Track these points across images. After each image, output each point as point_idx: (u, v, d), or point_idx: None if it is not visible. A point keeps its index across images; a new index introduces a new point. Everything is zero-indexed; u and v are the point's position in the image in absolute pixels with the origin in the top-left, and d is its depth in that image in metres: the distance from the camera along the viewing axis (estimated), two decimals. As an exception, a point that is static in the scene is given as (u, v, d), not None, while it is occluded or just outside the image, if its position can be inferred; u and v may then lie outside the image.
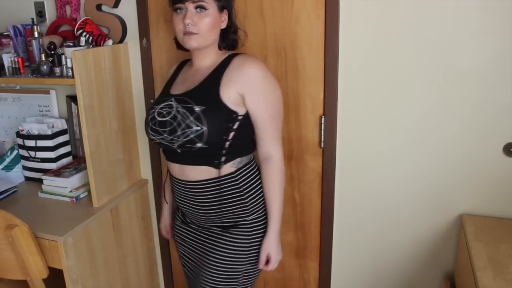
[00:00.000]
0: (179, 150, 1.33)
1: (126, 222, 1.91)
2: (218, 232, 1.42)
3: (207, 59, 1.38)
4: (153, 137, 1.36)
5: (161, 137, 1.32)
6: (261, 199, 1.42)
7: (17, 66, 1.75)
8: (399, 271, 1.77)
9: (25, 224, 1.48)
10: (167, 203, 1.66)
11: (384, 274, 1.80)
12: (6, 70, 1.77)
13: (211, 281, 1.41)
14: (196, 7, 1.28)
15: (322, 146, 1.72)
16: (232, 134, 1.31)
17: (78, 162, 1.96)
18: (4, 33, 1.87)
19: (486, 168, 1.54)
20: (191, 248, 1.52)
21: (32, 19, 1.90)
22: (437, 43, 1.48)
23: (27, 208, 1.76)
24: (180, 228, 1.55)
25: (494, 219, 1.55)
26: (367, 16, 1.53)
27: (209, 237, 1.44)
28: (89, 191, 1.77)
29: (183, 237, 1.54)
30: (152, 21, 1.81)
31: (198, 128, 1.25)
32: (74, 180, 1.82)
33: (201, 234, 1.47)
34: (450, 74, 1.50)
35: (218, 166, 1.34)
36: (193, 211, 1.43)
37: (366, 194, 1.72)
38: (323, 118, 1.69)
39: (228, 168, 1.36)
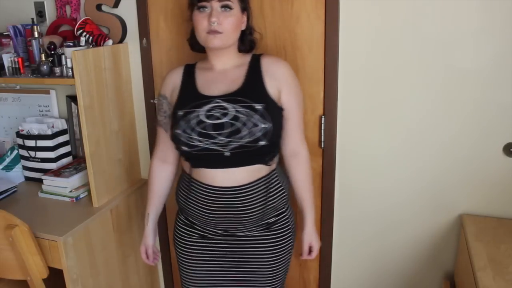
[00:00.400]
0: (228, 154, 1.27)
1: (126, 222, 1.91)
2: (260, 234, 1.40)
3: (229, 60, 1.38)
4: (199, 144, 1.27)
5: (212, 141, 1.25)
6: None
7: (17, 66, 1.75)
8: (399, 271, 1.77)
9: (25, 224, 1.48)
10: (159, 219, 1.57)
11: (384, 274, 1.80)
12: (6, 70, 1.77)
13: (276, 280, 1.47)
14: (222, 6, 1.28)
15: (322, 146, 1.72)
16: (281, 129, 1.38)
17: (78, 162, 1.96)
18: (4, 33, 1.87)
19: (486, 168, 1.54)
20: (222, 260, 1.43)
21: (32, 19, 1.90)
22: (437, 43, 1.48)
23: (27, 208, 1.76)
24: (199, 245, 1.43)
25: (494, 219, 1.55)
26: (367, 16, 1.53)
27: (250, 243, 1.40)
28: (89, 191, 1.77)
29: (207, 253, 1.43)
30: (152, 21, 1.81)
31: (265, 125, 1.26)
32: (74, 180, 1.82)
33: (236, 243, 1.40)
34: (450, 74, 1.50)
35: (268, 163, 1.36)
36: (231, 220, 1.34)
37: (366, 194, 1.72)
38: (323, 118, 1.69)
39: (273, 164, 1.39)
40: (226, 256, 1.43)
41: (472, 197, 1.58)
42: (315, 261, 1.89)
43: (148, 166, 1.99)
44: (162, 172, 1.51)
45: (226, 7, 1.28)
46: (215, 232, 1.40)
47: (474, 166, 1.55)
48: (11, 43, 1.85)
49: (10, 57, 1.76)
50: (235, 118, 1.25)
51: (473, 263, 1.31)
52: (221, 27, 1.28)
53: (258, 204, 1.34)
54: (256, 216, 1.35)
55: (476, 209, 1.59)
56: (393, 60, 1.55)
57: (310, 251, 1.54)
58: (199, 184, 1.34)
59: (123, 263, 1.90)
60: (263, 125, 1.26)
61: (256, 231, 1.40)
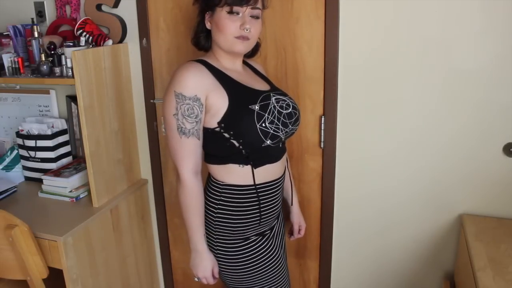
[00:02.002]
0: (281, 144, 1.36)
1: (126, 222, 1.91)
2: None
3: (240, 63, 1.41)
4: (280, 134, 1.30)
5: (286, 130, 1.33)
6: None
7: (17, 66, 1.76)
8: (399, 271, 1.77)
9: (25, 224, 1.48)
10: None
11: (384, 274, 1.80)
12: (6, 70, 1.77)
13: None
14: (253, 15, 1.29)
15: (322, 146, 1.72)
16: None
17: (78, 162, 1.96)
18: (4, 33, 1.87)
19: (486, 168, 1.54)
20: (282, 243, 1.54)
21: (32, 19, 1.90)
22: (437, 43, 1.48)
23: (27, 208, 1.76)
24: (273, 244, 1.43)
25: (494, 219, 1.55)
26: (367, 16, 1.53)
27: (281, 216, 1.54)
28: (89, 191, 1.77)
29: (277, 248, 1.44)
30: (152, 21, 1.81)
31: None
32: (74, 180, 1.82)
33: (279, 222, 1.51)
34: (450, 74, 1.50)
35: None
36: (280, 204, 1.46)
37: (366, 194, 1.72)
38: (323, 118, 1.69)
39: None
40: (282, 233, 1.54)
41: (472, 197, 1.58)
42: (315, 261, 1.89)
43: (148, 166, 2.01)
44: (200, 184, 1.33)
45: (255, 16, 1.30)
46: (275, 222, 1.48)
47: (474, 166, 1.55)
48: (11, 43, 1.85)
49: (10, 57, 1.76)
50: (294, 108, 1.37)
51: (473, 263, 1.31)
52: (250, 34, 1.29)
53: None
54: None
55: (476, 209, 1.59)
56: (393, 60, 1.54)
57: (298, 230, 1.67)
58: (266, 185, 1.35)
59: (123, 263, 1.90)
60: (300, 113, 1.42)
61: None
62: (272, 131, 1.27)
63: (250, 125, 1.24)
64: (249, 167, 1.31)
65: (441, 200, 1.62)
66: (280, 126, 1.30)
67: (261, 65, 1.58)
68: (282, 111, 1.32)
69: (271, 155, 1.34)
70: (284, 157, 1.43)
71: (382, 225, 1.73)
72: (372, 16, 1.53)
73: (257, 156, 1.31)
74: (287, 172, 1.54)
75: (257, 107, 1.27)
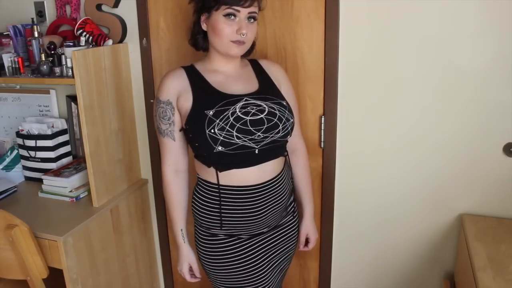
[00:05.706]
0: (257, 151, 1.28)
1: (126, 222, 1.91)
2: (286, 220, 1.48)
3: (237, 64, 1.39)
4: (237, 141, 1.24)
5: (250, 137, 1.25)
6: None
7: (17, 66, 1.76)
8: (399, 271, 1.77)
9: (25, 224, 1.48)
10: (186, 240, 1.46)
11: (384, 274, 1.80)
12: (6, 70, 1.78)
13: (290, 261, 1.56)
14: (249, 17, 1.28)
15: (322, 146, 1.72)
16: None
17: (78, 162, 1.96)
18: (4, 33, 1.87)
19: (486, 168, 1.54)
20: (269, 255, 1.43)
21: (32, 19, 1.90)
22: (437, 42, 1.48)
23: (27, 208, 1.76)
24: (242, 248, 1.38)
25: (494, 219, 1.55)
26: (367, 16, 1.53)
27: (283, 230, 1.47)
28: (89, 191, 1.77)
29: (253, 256, 1.40)
30: (152, 21, 1.81)
31: (292, 120, 1.35)
32: (74, 180, 1.82)
33: (274, 234, 1.43)
34: (450, 74, 1.50)
35: (286, 154, 1.42)
36: (269, 213, 1.36)
37: (366, 194, 1.72)
38: (323, 118, 1.69)
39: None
40: (274, 247, 1.45)
41: (472, 197, 1.58)
42: (315, 261, 1.89)
43: (148, 166, 2.01)
44: (180, 182, 1.42)
45: (252, 18, 1.29)
46: (260, 231, 1.40)
47: (474, 166, 1.55)
48: (11, 43, 1.85)
49: (10, 57, 1.76)
50: (271, 114, 1.30)
51: (473, 263, 1.31)
52: (246, 38, 1.28)
53: (287, 192, 1.41)
54: (285, 202, 1.42)
55: (476, 209, 1.59)
56: (392, 59, 1.55)
57: (307, 242, 1.60)
58: (232, 189, 1.31)
59: (123, 263, 1.90)
60: (291, 120, 1.34)
61: (285, 220, 1.47)
62: (222, 138, 1.24)
63: (200, 130, 1.25)
64: (213, 168, 1.32)
65: (441, 200, 1.62)
66: (235, 133, 1.24)
67: (276, 64, 1.49)
68: (244, 117, 1.25)
69: (236, 161, 1.29)
70: (270, 164, 1.34)
71: (382, 226, 1.73)
72: (372, 15, 1.53)
73: (216, 160, 1.30)
74: (285, 180, 1.42)
75: (211, 112, 1.25)
